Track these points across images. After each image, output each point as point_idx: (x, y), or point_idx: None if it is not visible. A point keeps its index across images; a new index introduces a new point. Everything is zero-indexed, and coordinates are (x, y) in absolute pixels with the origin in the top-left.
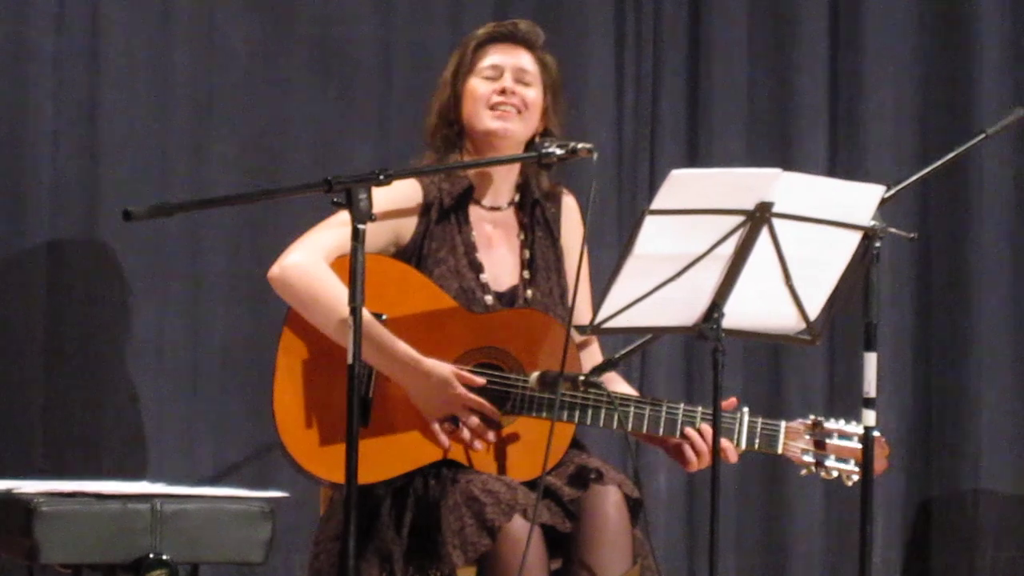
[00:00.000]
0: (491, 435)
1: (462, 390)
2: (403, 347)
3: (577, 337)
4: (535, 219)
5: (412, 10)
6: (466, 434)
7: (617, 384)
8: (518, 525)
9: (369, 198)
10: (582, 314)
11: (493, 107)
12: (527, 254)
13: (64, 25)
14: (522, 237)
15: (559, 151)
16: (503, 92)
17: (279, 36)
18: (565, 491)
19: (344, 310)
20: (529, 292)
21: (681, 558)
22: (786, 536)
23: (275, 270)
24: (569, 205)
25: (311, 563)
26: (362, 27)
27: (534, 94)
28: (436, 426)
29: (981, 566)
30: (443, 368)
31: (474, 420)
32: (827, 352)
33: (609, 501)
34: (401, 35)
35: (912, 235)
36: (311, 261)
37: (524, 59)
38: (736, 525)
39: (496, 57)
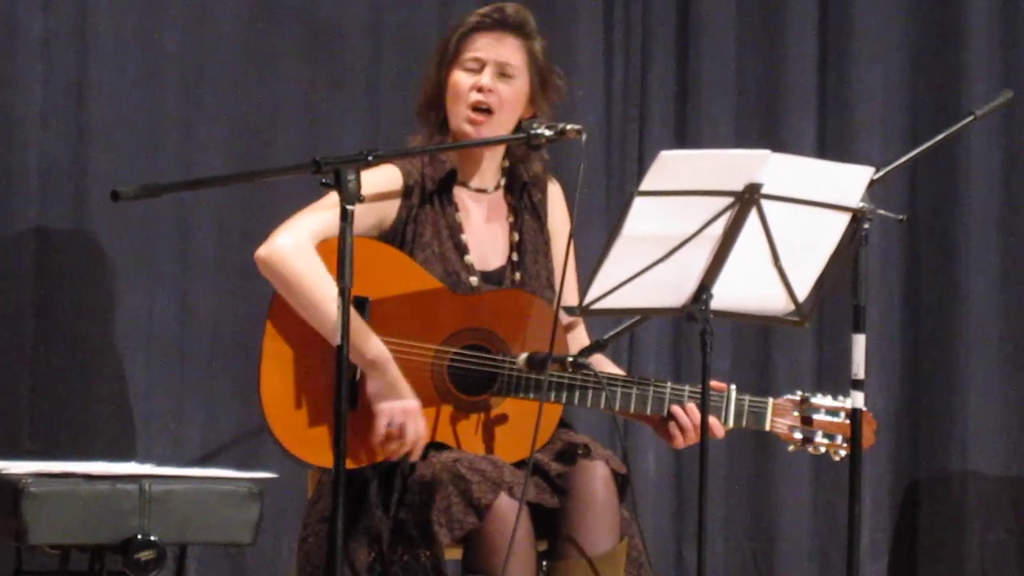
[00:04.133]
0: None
1: (416, 407)
2: (376, 342)
3: (564, 319)
4: (523, 203)
5: None
6: (409, 440)
7: (603, 364)
8: (505, 503)
9: (358, 179)
10: (569, 298)
11: (471, 106)
12: (516, 236)
13: (52, 5)
14: (511, 220)
15: (548, 132)
16: (480, 90)
17: (268, 18)
18: (552, 467)
19: (325, 301)
20: (517, 275)
21: (669, 539)
22: (774, 517)
23: (262, 251)
24: (554, 191)
25: (300, 544)
26: (351, 9)
27: (513, 88)
28: (383, 429)
29: (969, 548)
30: (413, 401)
31: (419, 445)
32: (815, 334)
33: (597, 476)
34: (390, 17)
35: (901, 217)
36: (299, 245)
37: (508, 49)
38: (724, 506)
39: (480, 49)
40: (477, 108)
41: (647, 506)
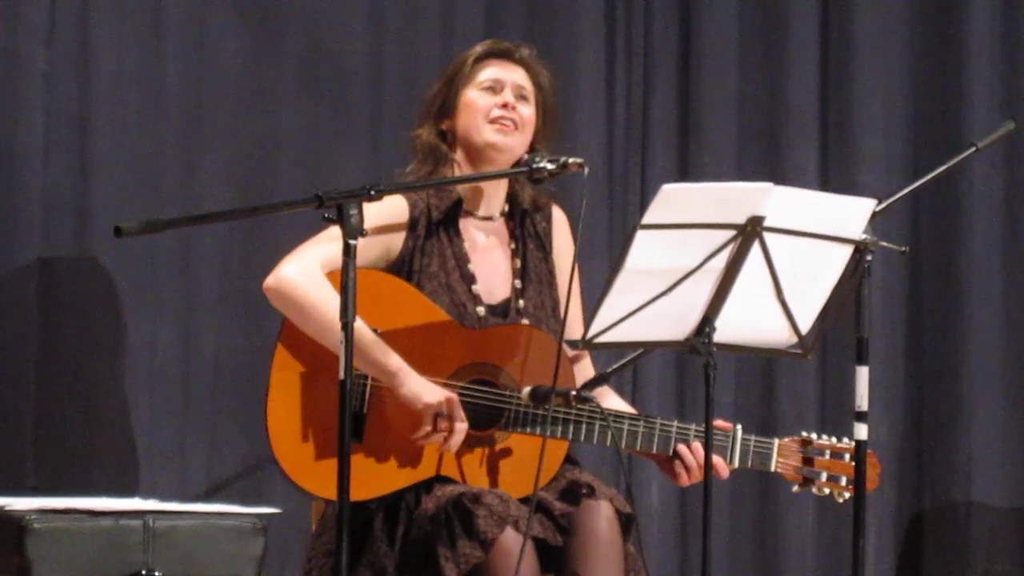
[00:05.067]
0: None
1: (458, 404)
2: (395, 357)
3: (569, 352)
4: (526, 230)
5: (403, 23)
6: (458, 429)
7: (608, 398)
8: (510, 537)
9: (360, 214)
10: (574, 329)
11: (494, 120)
12: (518, 263)
13: (54, 38)
14: (513, 246)
15: (550, 165)
16: (505, 106)
17: (270, 49)
18: (556, 506)
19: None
20: (521, 302)
21: (673, 573)
22: (778, 551)
23: (270, 280)
24: (559, 219)
25: None
26: (353, 40)
27: (530, 112)
28: (428, 425)
29: None
30: (428, 381)
31: (464, 423)
32: (819, 366)
33: (601, 516)
34: (392, 50)
35: (903, 248)
36: (307, 271)
37: (521, 76)
38: (729, 540)
39: (496, 72)
40: (500, 120)
41: (651, 540)
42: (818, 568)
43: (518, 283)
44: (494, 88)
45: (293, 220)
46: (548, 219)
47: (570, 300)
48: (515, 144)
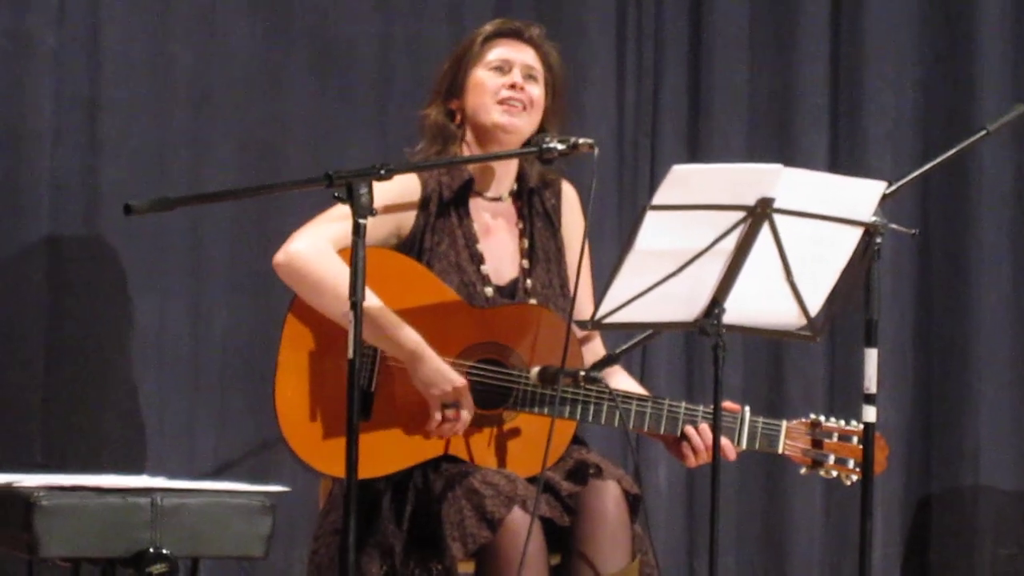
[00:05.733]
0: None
1: (463, 384)
2: (409, 331)
3: (579, 332)
4: (534, 208)
5: (411, 6)
6: (464, 418)
7: (618, 377)
8: (518, 517)
9: (370, 192)
10: (584, 307)
11: (502, 101)
12: (526, 243)
13: (64, 20)
14: (521, 226)
15: (560, 146)
16: (513, 87)
17: (279, 32)
18: (564, 486)
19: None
20: (529, 282)
21: (681, 554)
22: (786, 532)
23: (280, 256)
24: (569, 195)
25: (311, 557)
26: (361, 23)
27: (539, 92)
28: (438, 414)
29: (980, 562)
30: (440, 360)
31: (469, 413)
32: (827, 348)
33: (608, 496)
34: (400, 31)
35: (913, 231)
36: (317, 246)
37: (531, 56)
38: (736, 521)
39: (505, 51)
40: (509, 101)
41: (659, 520)
42: (825, 550)
43: (525, 263)
44: (503, 68)
45: (302, 200)
46: (557, 195)
47: (579, 281)
48: (523, 125)
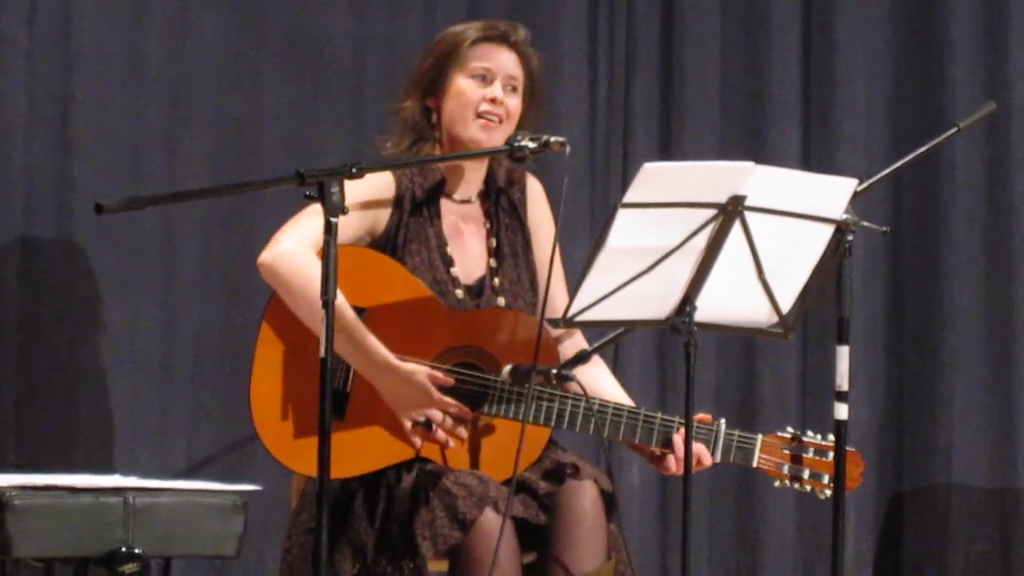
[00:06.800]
0: (463, 431)
1: (436, 393)
2: (380, 348)
3: (554, 332)
4: (500, 206)
5: (385, 3)
6: (440, 435)
7: (599, 374)
8: (490, 518)
9: (341, 191)
10: (558, 302)
11: (481, 115)
12: (493, 242)
13: (37, 17)
14: (488, 226)
15: (532, 144)
16: (493, 101)
17: (252, 29)
18: (540, 485)
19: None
20: (496, 280)
21: (654, 552)
22: (759, 530)
23: (267, 256)
24: (534, 187)
25: (283, 556)
26: (335, 20)
27: (516, 103)
28: (408, 426)
29: (953, 559)
30: (417, 371)
31: (448, 422)
32: (800, 345)
33: (586, 496)
34: (374, 28)
35: (885, 228)
36: (302, 251)
37: (513, 64)
38: (709, 519)
39: (489, 59)
40: (487, 116)
41: (632, 518)
42: (798, 548)
43: (493, 262)
44: (485, 77)
45: (275, 198)
46: (523, 189)
47: (551, 277)
48: (499, 139)
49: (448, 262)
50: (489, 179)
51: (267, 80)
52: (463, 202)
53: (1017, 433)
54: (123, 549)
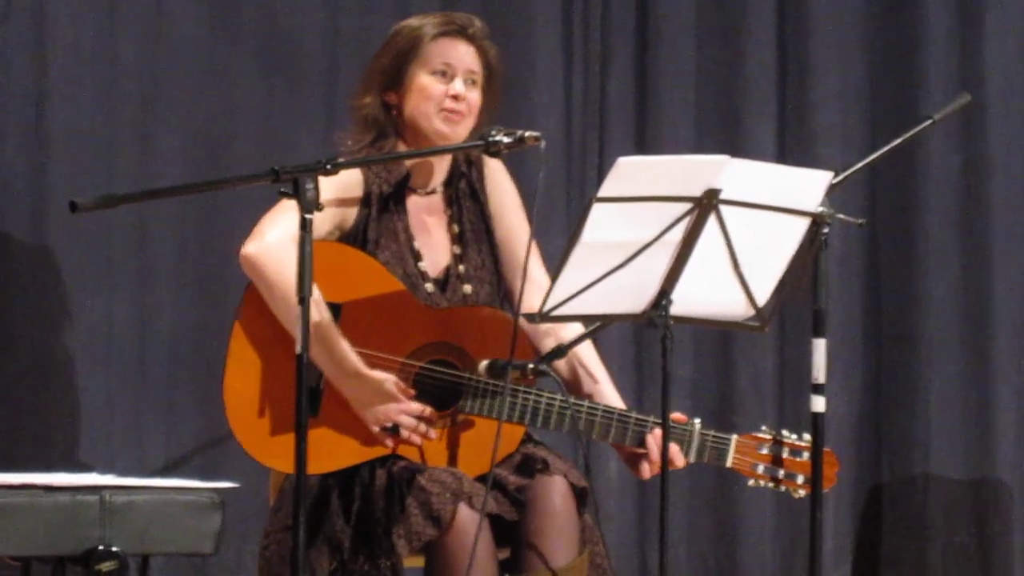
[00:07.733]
0: (432, 433)
1: (404, 401)
2: (350, 355)
3: (544, 326)
4: (461, 191)
5: None
6: (414, 439)
7: (598, 381)
8: (465, 514)
9: (316, 187)
10: (537, 286)
11: (443, 110)
12: (456, 228)
13: (10, 16)
14: (449, 213)
15: (506, 139)
16: (455, 98)
17: (225, 25)
18: (511, 480)
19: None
20: (461, 267)
21: (632, 546)
22: (736, 523)
23: (251, 249)
24: (491, 164)
25: (261, 553)
26: (309, 16)
27: (477, 96)
28: (376, 431)
29: (932, 551)
30: (385, 379)
31: (420, 427)
32: (776, 338)
33: (555, 491)
34: (347, 25)
35: (860, 221)
36: (287, 246)
37: (471, 57)
38: (687, 513)
39: (450, 54)
40: (450, 111)
41: (610, 512)
42: (776, 541)
43: (456, 248)
44: (446, 73)
45: (249, 195)
46: (480, 168)
47: (527, 270)
48: (462, 132)
49: (416, 256)
50: (453, 167)
51: (240, 76)
52: (428, 194)
53: (994, 425)
54: (100, 547)
